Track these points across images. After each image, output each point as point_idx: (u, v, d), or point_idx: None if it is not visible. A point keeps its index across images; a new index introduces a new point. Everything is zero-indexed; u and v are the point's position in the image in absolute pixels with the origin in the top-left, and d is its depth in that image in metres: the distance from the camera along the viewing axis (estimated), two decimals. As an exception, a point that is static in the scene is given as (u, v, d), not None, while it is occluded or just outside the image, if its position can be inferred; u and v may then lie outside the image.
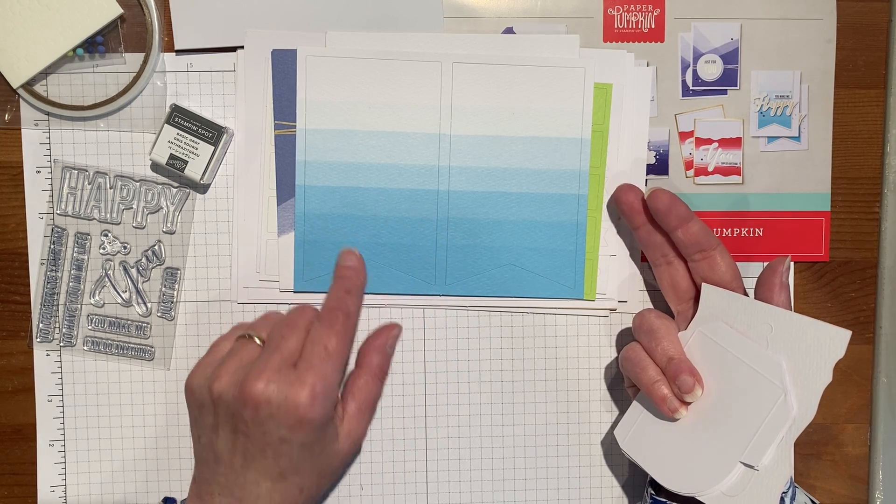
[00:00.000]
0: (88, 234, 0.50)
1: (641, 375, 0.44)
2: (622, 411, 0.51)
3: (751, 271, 0.51)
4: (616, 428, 0.47)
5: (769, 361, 0.41)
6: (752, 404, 0.41)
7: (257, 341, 0.41)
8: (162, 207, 0.50)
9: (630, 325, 0.49)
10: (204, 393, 0.40)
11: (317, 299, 0.50)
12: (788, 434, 0.40)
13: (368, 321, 0.51)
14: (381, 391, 0.44)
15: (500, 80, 0.49)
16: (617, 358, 0.51)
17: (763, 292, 0.44)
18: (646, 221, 0.46)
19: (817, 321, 0.41)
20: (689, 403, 0.43)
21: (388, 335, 0.43)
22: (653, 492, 0.45)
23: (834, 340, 0.40)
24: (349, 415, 0.42)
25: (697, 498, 0.42)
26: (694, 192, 0.51)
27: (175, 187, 0.50)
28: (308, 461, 0.40)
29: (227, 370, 0.40)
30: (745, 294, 0.44)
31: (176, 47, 0.49)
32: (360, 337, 0.44)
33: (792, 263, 0.51)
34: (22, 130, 0.49)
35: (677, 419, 0.43)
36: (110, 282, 0.50)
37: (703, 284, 0.45)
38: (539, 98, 0.49)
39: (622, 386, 0.51)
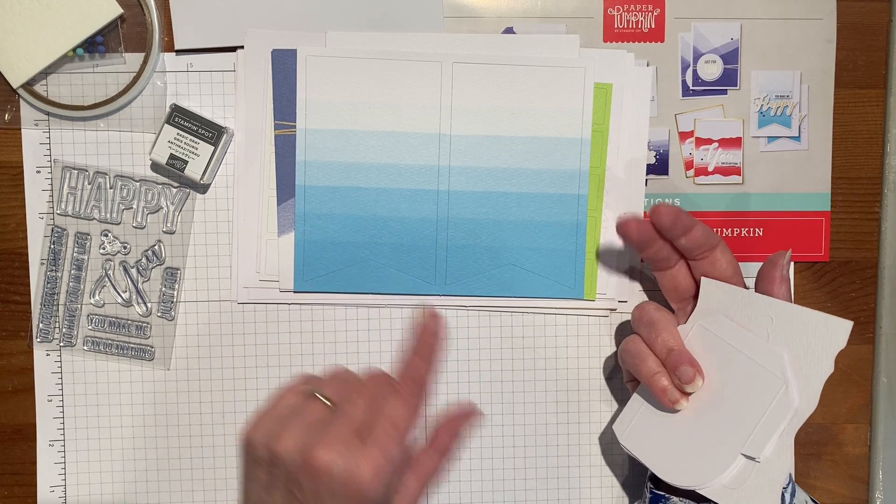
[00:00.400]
0: (88, 234, 0.50)
1: (641, 367, 0.44)
2: (622, 409, 0.51)
3: (751, 271, 0.51)
4: (615, 422, 0.47)
5: (770, 353, 0.41)
6: (752, 396, 0.42)
7: (325, 401, 0.40)
8: (162, 207, 0.50)
9: (629, 322, 0.49)
10: (263, 450, 0.39)
11: (317, 299, 0.50)
12: (790, 426, 0.40)
13: (368, 321, 0.51)
14: (443, 471, 0.43)
15: (500, 80, 0.49)
16: (616, 357, 0.51)
17: (764, 285, 0.44)
18: (652, 244, 0.45)
19: (819, 312, 0.41)
20: (689, 394, 0.43)
21: (466, 419, 0.43)
22: (652, 485, 0.45)
23: (835, 331, 0.40)
24: (408, 490, 0.41)
25: (698, 491, 0.42)
26: (694, 192, 0.51)
27: (175, 187, 0.50)
28: None
29: (292, 431, 0.38)
30: (746, 289, 0.44)
31: (176, 47, 0.49)
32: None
33: (792, 258, 0.51)
34: (22, 130, 0.49)
35: (678, 411, 0.43)
36: (110, 282, 0.50)
37: (703, 278, 0.45)
38: (539, 98, 0.49)
39: (622, 385, 0.51)
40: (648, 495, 0.45)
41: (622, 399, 0.51)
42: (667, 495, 0.44)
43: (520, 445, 0.51)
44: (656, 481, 0.45)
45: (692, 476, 0.42)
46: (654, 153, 0.50)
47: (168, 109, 0.48)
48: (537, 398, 0.51)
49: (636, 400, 0.46)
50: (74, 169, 0.50)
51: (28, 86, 0.48)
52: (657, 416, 0.45)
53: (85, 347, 0.50)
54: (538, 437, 0.51)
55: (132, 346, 0.50)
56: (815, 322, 0.41)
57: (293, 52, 0.48)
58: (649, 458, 0.44)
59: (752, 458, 0.41)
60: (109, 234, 0.50)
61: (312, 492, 0.37)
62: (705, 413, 0.43)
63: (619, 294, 0.50)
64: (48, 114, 0.49)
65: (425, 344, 0.40)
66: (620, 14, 0.50)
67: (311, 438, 0.38)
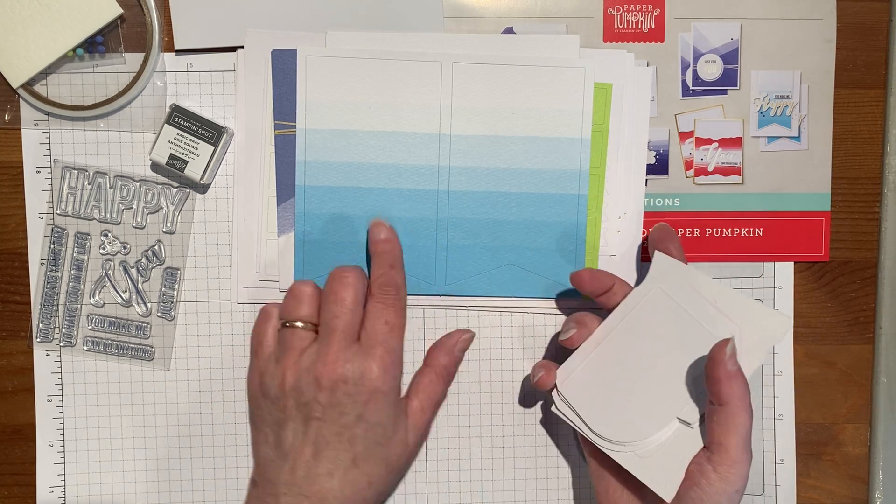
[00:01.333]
0: (88, 234, 0.50)
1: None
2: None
3: (751, 271, 0.51)
4: (558, 369, 0.46)
5: (725, 324, 0.42)
6: (698, 363, 0.42)
7: (302, 325, 0.41)
8: (162, 207, 0.50)
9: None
10: (274, 391, 0.40)
11: (317, 299, 0.50)
12: None
13: (368, 321, 0.50)
14: (445, 392, 0.45)
15: (500, 80, 0.49)
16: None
17: (710, 386, 0.40)
18: (605, 291, 0.46)
19: (764, 306, 0.42)
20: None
21: (458, 338, 0.44)
22: None
23: (777, 326, 0.42)
24: (413, 410, 0.43)
25: (612, 456, 0.43)
26: (694, 192, 0.51)
27: (175, 187, 0.50)
28: (378, 448, 0.40)
29: (290, 364, 0.40)
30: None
31: (176, 47, 0.49)
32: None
33: (792, 258, 0.51)
34: (22, 130, 0.49)
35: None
36: (110, 282, 0.50)
37: (656, 252, 0.45)
38: (539, 98, 0.49)
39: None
40: None
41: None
42: None
43: (520, 445, 0.51)
44: None
45: (623, 432, 0.42)
46: (654, 153, 0.51)
47: (168, 109, 0.48)
48: (537, 398, 0.51)
49: (581, 352, 0.46)
50: (74, 169, 0.49)
51: (28, 86, 0.48)
52: (599, 370, 0.44)
53: (85, 347, 0.50)
54: (538, 437, 0.51)
55: (132, 346, 0.50)
56: (759, 313, 0.42)
57: (293, 52, 0.48)
58: (583, 409, 0.44)
59: (687, 424, 0.41)
60: (109, 235, 0.50)
61: (331, 405, 0.39)
62: (649, 373, 0.43)
63: (619, 294, 0.50)
64: (48, 114, 0.49)
65: (385, 252, 0.42)
66: (620, 14, 0.50)
67: (316, 360, 0.39)
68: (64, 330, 0.50)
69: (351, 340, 0.41)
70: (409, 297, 0.50)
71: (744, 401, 0.39)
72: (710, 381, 0.40)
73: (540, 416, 0.51)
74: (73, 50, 0.48)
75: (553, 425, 0.51)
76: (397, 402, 0.41)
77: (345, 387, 0.39)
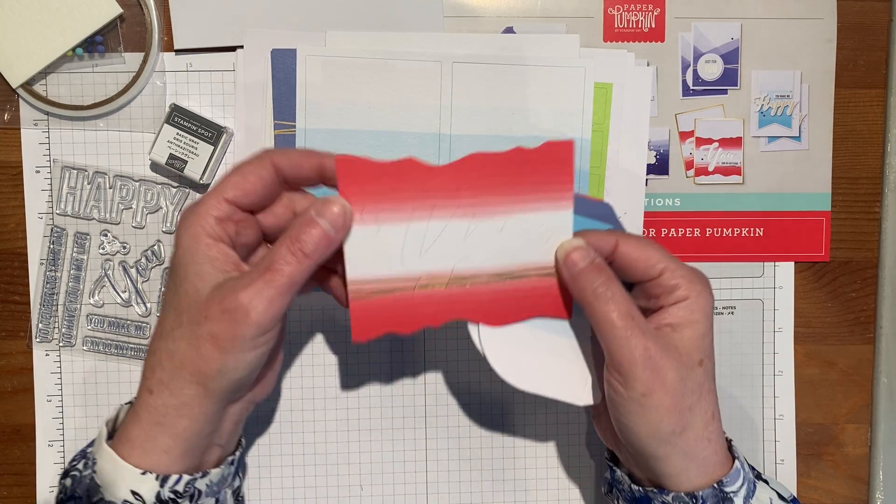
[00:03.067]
0: (88, 234, 0.50)
1: None
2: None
3: (751, 271, 0.51)
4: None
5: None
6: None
7: None
8: (161, 207, 0.50)
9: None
10: None
11: (317, 299, 0.50)
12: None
13: (368, 321, 0.50)
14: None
15: (500, 80, 0.49)
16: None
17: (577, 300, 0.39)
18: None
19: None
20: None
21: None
22: (607, 457, 0.45)
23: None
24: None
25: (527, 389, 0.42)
26: (694, 192, 0.51)
27: (175, 187, 0.50)
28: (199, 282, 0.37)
29: None
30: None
31: (175, 47, 0.49)
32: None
33: (790, 257, 0.51)
34: (21, 130, 0.49)
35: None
36: (110, 282, 0.50)
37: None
38: (539, 98, 0.49)
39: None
40: (607, 467, 0.45)
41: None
42: (614, 468, 0.43)
43: (520, 446, 0.51)
44: (610, 454, 0.45)
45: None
46: (654, 153, 0.50)
47: (167, 109, 0.48)
48: (537, 398, 0.51)
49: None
50: (74, 169, 0.49)
51: (27, 85, 0.48)
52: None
53: (84, 347, 0.50)
54: (538, 437, 0.51)
55: (132, 346, 0.50)
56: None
57: (293, 52, 0.48)
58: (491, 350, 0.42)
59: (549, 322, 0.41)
60: (109, 234, 0.50)
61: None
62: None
63: (620, 294, 0.50)
64: (47, 114, 0.49)
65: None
66: (620, 14, 0.50)
67: None
68: (63, 330, 0.50)
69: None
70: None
71: (592, 293, 0.38)
72: (573, 294, 0.40)
73: (539, 415, 0.51)
74: (73, 50, 0.48)
75: (553, 425, 0.51)
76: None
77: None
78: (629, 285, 0.41)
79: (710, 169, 0.51)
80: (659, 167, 0.51)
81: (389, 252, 0.39)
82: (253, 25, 0.48)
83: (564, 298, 0.41)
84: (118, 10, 0.48)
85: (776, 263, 0.51)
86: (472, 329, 0.42)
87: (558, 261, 0.40)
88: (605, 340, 0.38)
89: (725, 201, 0.51)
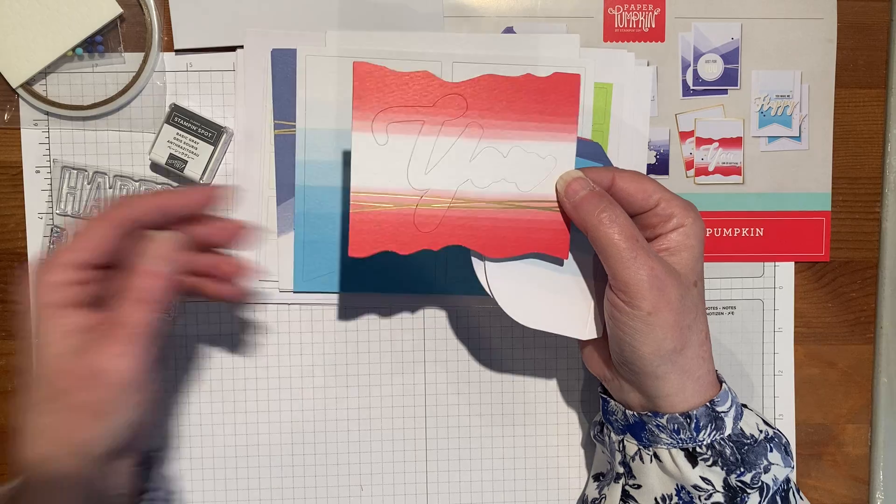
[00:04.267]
0: (88, 234, 0.50)
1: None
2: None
3: (751, 271, 0.51)
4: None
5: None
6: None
7: None
8: (161, 207, 0.50)
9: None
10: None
11: (317, 299, 0.50)
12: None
13: (368, 321, 0.50)
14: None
15: (500, 80, 0.49)
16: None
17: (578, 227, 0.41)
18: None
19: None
20: None
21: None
22: (601, 390, 0.45)
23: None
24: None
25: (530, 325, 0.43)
26: (694, 191, 0.51)
27: (175, 187, 0.50)
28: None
29: None
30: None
31: (175, 47, 0.49)
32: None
33: (789, 257, 0.51)
34: (21, 130, 0.49)
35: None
36: (110, 282, 0.50)
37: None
38: (539, 98, 0.49)
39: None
40: (600, 400, 0.45)
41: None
42: (608, 398, 0.44)
43: (520, 446, 0.51)
44: (603, 388, 0.45)
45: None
46: (654, 153, 0.50)
47: (167, 109, 0.48)
48: (537, 398, 0.51)
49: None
50: (74, 169, 0.49)
51: (27, 85, 0.48)
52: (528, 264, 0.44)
53: (84, 348, 0.50)
54: (538, 437, 0.51)
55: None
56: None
57: (293, 52, 0.48)
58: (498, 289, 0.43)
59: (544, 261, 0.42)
60: (109, 234, 0.50)
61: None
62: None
63: (620, 294, 0.50)
64: (47, 113, 0.49)
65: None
66: (621, 14, 0.50)
67: None
68: (63, 330, 0.50)
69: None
70: (408, 297, 0.50)
71: (596, 219, 0.39)
72: (574, 223, 0.41)
73: (539, 415, 0.51)
74: (73, 49, 0.48)
75: (553, 425, 0.51)
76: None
77: None
78: None
79: (711, 169, 0.51)
80: (659, 167, 0.51)
81: (395, 166, 0.40)
82: (253, 25, 0.48)
83: (563, 236, 0.42)
84: (118, 10, 0.48)
85: (776, 263, 0.51)
86: (478, 267, 0.42)
87: (559, 192, 0.41)
88: (610, 262, 0.39)
89: (725, 201, 0.51)
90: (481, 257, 0.42)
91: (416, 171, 0.40)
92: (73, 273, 0.37)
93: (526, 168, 0.41)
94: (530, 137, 0.41)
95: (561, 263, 0.43)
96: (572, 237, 0.42)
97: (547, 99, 0.40)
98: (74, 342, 0.37)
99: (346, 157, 0.49)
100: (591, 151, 0.44)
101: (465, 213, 0.41)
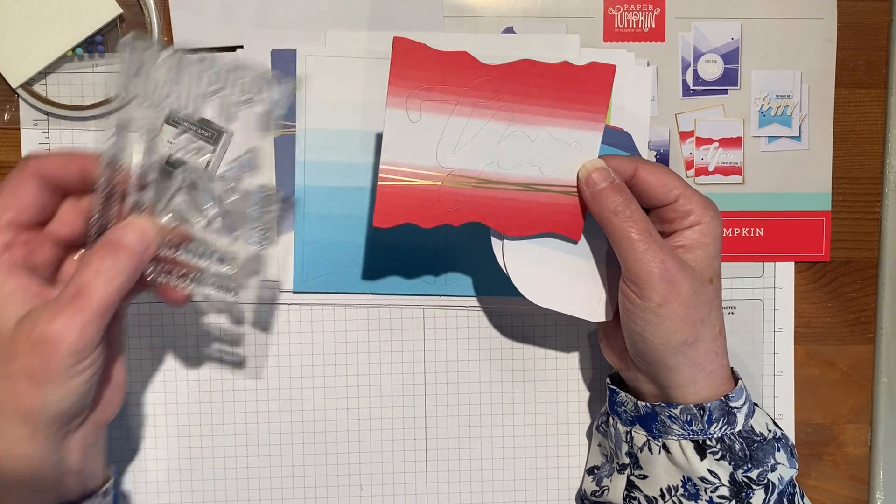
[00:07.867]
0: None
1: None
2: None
3: (751, 271, 0.51)
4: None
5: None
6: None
7: None
8: (161, 207, 0.50)
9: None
10: None
11: (317, 299, 0.50)
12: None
13: (368, 321, 0.50)
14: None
15: (500, 80, 0.49)
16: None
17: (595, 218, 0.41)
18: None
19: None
20: None
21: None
22: (609, 381, 0.46)
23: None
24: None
25: (543, 305, 0.44)
26: (694, 191, 0.51)
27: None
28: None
29: None
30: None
31: (175, 47, 0.49)
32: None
33: (790, 257, 0.51)
34: (21, 130, 0.49)
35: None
36: (110, 282, 0.50)
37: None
38: (539, 98, 0.49)
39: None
40: (608, 392, 0.46)
41: (622, 399, 0.51)
42: (617, 389, 0.45)
43: (520, 446, 0.51)
44: (612, 378, 0.46)
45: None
46: (654, 153, 0.50)
47: (168, 109, 0.48)
48: (537, 398, 0.51)
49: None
50: (74, 169, 0.49)
51: (27, 86, 0.48)
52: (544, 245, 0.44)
53: (84, 348, 0.50)
54: (538, 437, 0.51)
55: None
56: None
57: (293, 52, 0.48)
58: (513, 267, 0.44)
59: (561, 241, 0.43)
60: (109, 235, 0.50)
61: None
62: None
63: (620, 294, 0.50)
64: (47, 114, 0.49)
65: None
66: (621, 14, 0.50)
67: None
68: (63, 330, 0.50)
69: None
70: (408, 297, 0.50)
71: (612, 211, 0.40)
72: (592, 214, 0.42)
73: (540, 415, 0.51)
74: (73, 50, 0.48)
75: (553, 425, 0.51)
76: None
77: None
78: (645, 211, 0.42)
79: (711, 169, 0.51)
80: (659, 167, 0.51)
81: (426, 143, 0.41)
82: (253, 25, 0.48)
83: (577, 220, 0.43)
84: (118, 10, 0.48)
85: (776, 263, 0.51)
86: (496, 246, 0.43)
87: (580, 179, 0.42)
88: (623, 254, 0.40)
89: (725, 201, 0.51)
90: (500, 236, 0.43)
91: (444, 150, 0.41)
92: (7, 234, 0.36)
93: (551, 153, 0.42)
94: (559, 124, 0.41)
95: (578, 246, 0.44)
96: (589, 224, 0.43)
97: (580, 87, 0.41)
98: (20, 308, 0.36)
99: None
100: (619, 141, 0.45)
101: (488, 193, 0.42)
